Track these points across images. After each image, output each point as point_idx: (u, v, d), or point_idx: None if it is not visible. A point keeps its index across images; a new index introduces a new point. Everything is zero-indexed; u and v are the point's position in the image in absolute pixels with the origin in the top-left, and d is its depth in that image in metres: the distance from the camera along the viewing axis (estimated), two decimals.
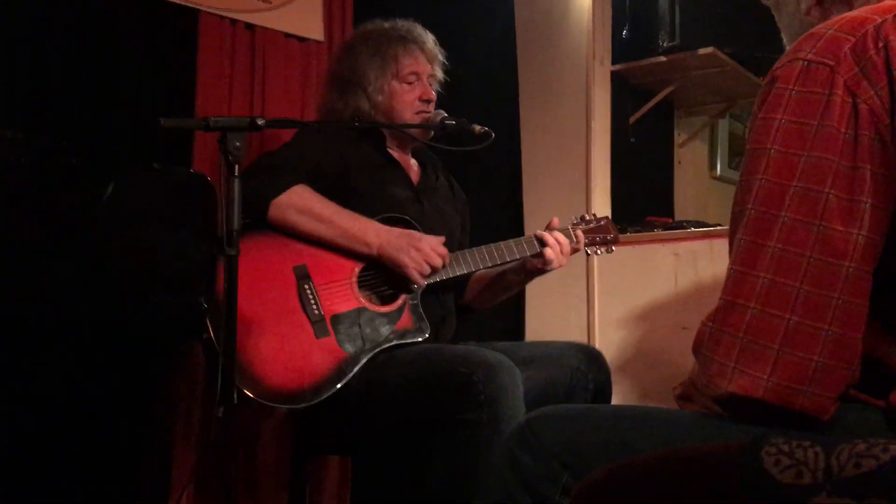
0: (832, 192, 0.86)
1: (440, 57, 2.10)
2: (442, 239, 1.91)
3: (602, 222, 2.10)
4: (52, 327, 1.53)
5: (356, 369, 1.76)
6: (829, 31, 0.91)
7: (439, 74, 2.11)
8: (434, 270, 1.87)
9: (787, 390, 0.84)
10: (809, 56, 0.90)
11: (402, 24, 2.09)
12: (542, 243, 1.96)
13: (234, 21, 2.32)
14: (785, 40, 1.17)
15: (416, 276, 1.85)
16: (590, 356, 1.90)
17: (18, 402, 1.70)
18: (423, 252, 1.85)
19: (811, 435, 0.68)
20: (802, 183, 0.87)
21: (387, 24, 2.09)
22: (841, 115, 0.87)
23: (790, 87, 0.90)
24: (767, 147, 0.90)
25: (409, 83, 2.03)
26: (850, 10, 1.00)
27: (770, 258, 0.87)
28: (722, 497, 0.66)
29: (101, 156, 1.58)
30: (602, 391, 1.88)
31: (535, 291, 3.03)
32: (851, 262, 0.85)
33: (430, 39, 2.09)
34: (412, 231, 1.90)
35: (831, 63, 0.89)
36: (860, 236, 0.85)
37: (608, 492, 0.74)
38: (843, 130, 0.87)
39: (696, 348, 0.94)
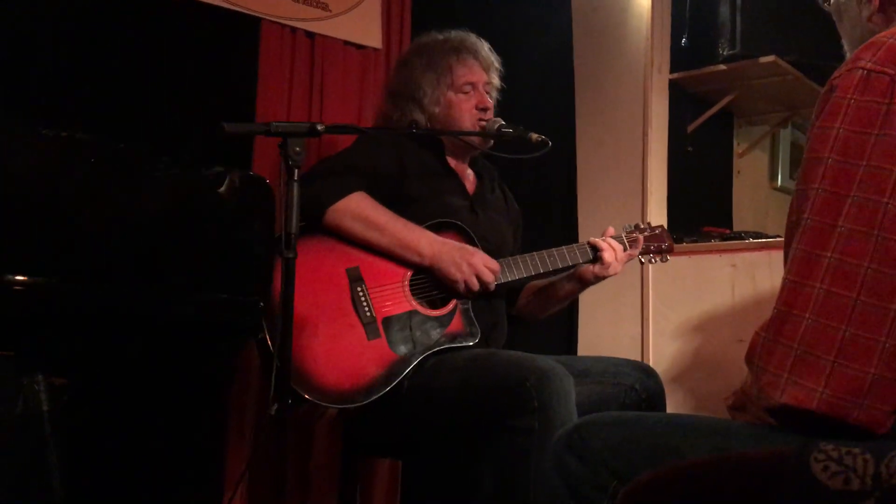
0: (891, 202, 0.85)
1: (496, 64, 2.10)
2: (496, 265, 1.90)
3: (657, 231, 2.08)
4: (112, 322, 1.58)
5: (407, 371, 1.78)
6: (890, 41, 0.90)
7: (496, 81, 2.11)
8: (484, 287, 1.87)
9: (841, 403, 0.83)
10: (869, 65, 0.89)
11: (456, 34, 2.09)
12: (596, 249, 1.95)
13: (294, 29, 2.38)
14: (846, 47, 1.15)
15: (464, 290, 1.86)
16: (645, 374, 1.88)
17: (80, 402, 1.76)
18: (474, 267, 1.86)
19: (861, 442, 0.67)
20: (861, 193, 0.86)
21: (440, 36, 2.10)
22: None
23: (849, 95, 0.89)
24: (825, 156, 0.89)
25: (465, 93, 2.03)
26: None
27: (826, 268, 0.86)
28: (770, 502, 0.66)
29: (165, 158, 1.63)
30: (655, 410, 1.86)
31: (589, 301, 3.01)
32: None
33: (484, 47, 2.09)
34: (465, 245, 1.90)
35: (891, 72, 0.88)
36: None
37: (654, 495, 0.74)
38: None
39: (749, 358, 0.93)
